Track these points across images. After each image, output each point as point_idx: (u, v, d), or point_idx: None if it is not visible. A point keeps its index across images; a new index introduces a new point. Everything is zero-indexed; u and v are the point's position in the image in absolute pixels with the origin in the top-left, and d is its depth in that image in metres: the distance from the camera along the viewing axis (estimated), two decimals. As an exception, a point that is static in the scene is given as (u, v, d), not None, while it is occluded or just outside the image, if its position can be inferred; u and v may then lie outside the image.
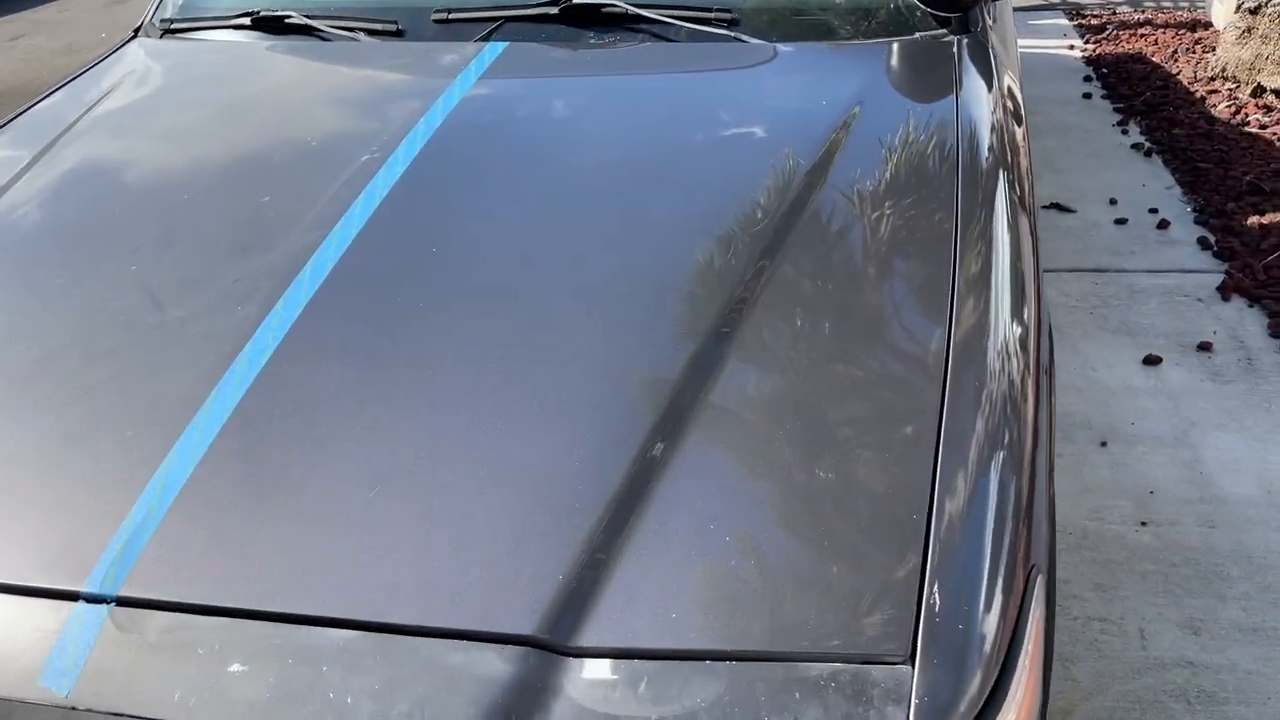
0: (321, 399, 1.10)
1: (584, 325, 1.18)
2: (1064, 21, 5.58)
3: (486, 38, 1.89)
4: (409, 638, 0.89)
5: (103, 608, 0.92)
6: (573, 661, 0.88)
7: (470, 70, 1.75)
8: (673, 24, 1.85)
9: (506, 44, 1.85)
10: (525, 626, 0.89)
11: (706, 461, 1.00)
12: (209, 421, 1.06)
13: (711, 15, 1.84)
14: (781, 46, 1.80)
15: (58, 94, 1.90)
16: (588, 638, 0.88)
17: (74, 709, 0.87)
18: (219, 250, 1.35)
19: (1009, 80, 1.82)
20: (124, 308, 1.25)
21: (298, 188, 1.47)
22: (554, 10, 1.89)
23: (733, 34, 1.82)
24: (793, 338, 1.14)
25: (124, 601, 0.92)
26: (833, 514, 0.96)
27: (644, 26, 1.87)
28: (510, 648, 0.88)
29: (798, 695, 0.86)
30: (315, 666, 0.88)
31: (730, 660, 0.87)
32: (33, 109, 1.86)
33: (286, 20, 2.00)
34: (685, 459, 1.00)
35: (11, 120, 1.84)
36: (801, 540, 0.94)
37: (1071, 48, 5.15)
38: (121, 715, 0.87)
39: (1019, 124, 1.69)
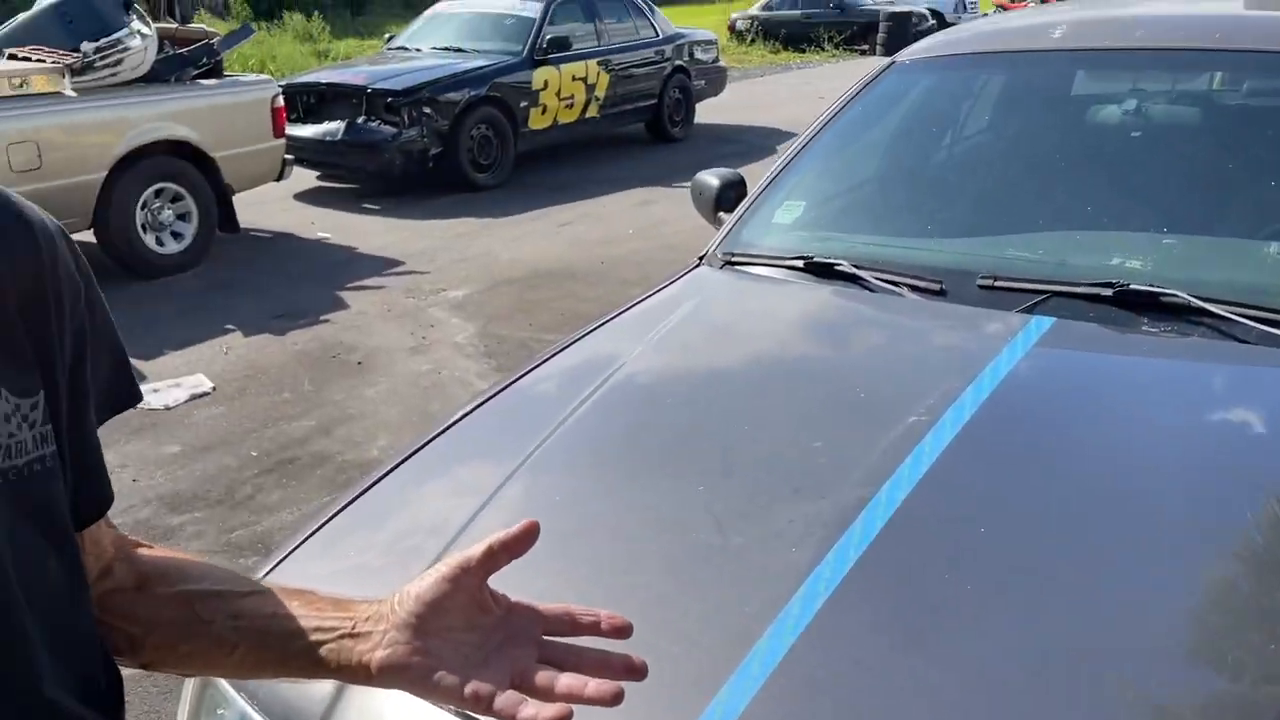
0: (870, 653, 1.14)
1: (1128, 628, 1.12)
2: None
3: (1030, 309, 1.91)
4: None
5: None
6: None
7: (1017, 343, 1.78)
8: (1241, 323, 1.75)
9: (1054, 319, 1.86)
10: None
11: None
12: (770, 649, 1.15)
13: (1290, 319, 1.72)
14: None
15: (633, 311, 2.20)
16: None
17: None
18: (774, 489, 1.47)
19: None
20: (696, 525, 1.41)
21: (846, 439, 1.57)
22: (1107, 292, 1.87)
23: (1317, 342, 1.69)
24: None
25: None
26: None
27: (1207, 321, 1.79)
28: None
29: None
30: None
31: None
32: (608, 324, 2.17)
33: (835, 267, 2.18)
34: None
35: (589, 334, 2.14)
36: None
37: None
38: None
39: None
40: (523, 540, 0.79)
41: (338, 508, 1.64)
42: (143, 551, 0.90)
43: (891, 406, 1.63)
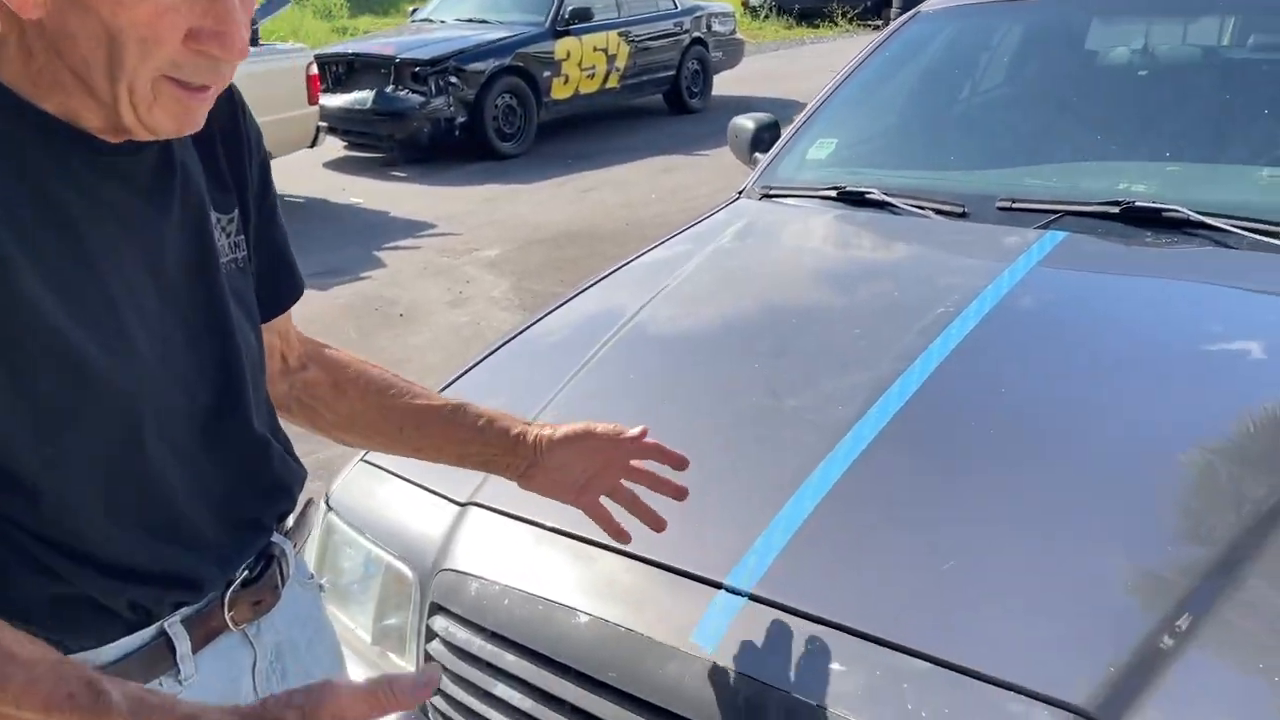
0: (909, 477, 1.37)
1: (1135, 480, 1.34)
2: None
3: (1045, 226, 2.12)
4: (977, 681, 1.09)
5: (739, 599, 1.23)
6: (1118, 739, 1.02)
7: (1032, 251, 1.99)
8: (1235, 233, 1.96)
9: (1065, 234, 2.07)
10: (1077, 697, 1.05)
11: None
12: (823, 478, 1.37)
13: (1278, 228, 1.93)
14: (1354, 264, 1.84)
15: (686, 232, 2.43)
16: (1136, 721, 1.03)
17: (714, 663, 1.18)
18: (821, 365, 1.69)
19: None
20: (754, 393, 1.63)
21: (882, 325, 1.79)
22: (1115, 210, 2.08)
23: (1302, 247, 1.89)
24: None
25: (755, 598, 1.23)
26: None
27: (1203, 233, 2.00)
28: (1062, 712, 1.05)
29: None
30: (897, 683, 1.11)
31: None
32: (666, 243, 2.40)
33: (867, 195, 2.38)
34: (1261, 583, 1.12)
35: (648, 251, 2.38)
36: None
37: None
38: (749, 677, 1.15)
39: None
40: (674, 459, 1.19)
41: None
42: (329, 353, 1.16)
43: (922, 302, 1.84)
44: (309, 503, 1.13)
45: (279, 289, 1.06)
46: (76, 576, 0.80)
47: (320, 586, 1.15)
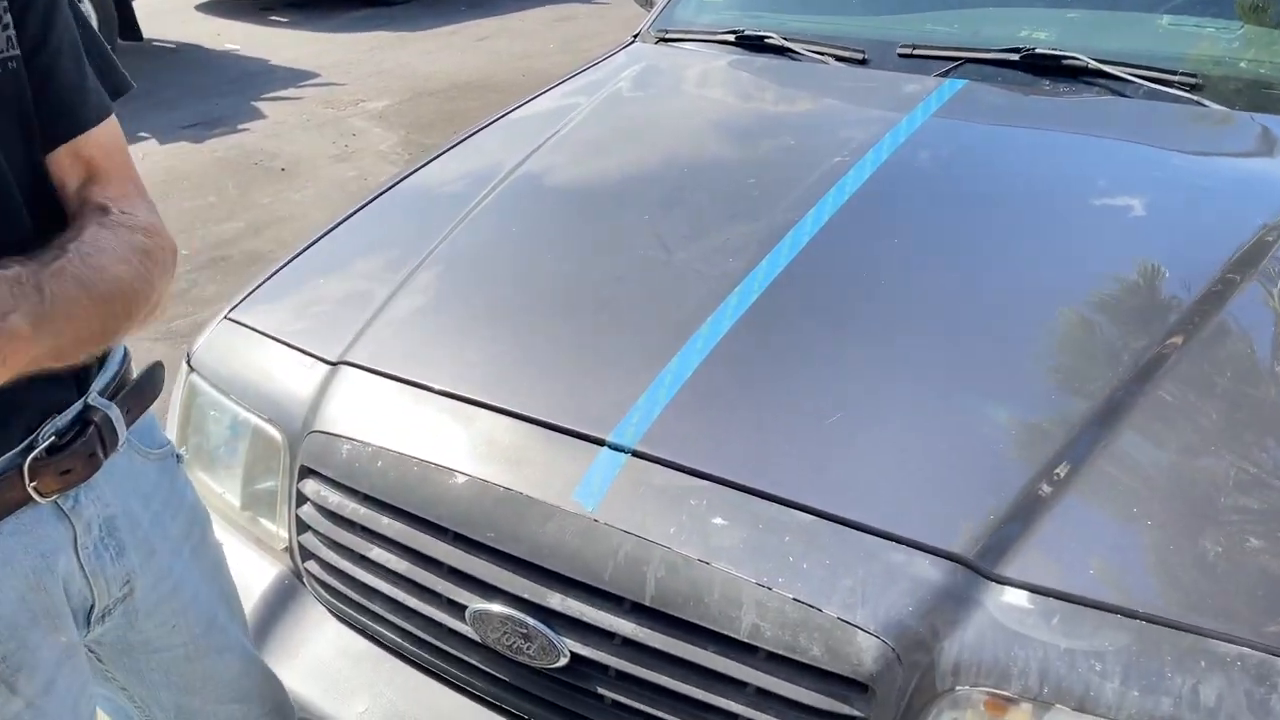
0: (797, 331, 1.33)
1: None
2: None
3: (945, 74, 2.06)
4: (859, 533, 1.08)
5: (622, 455, 1.19)
6: (994, 585, 1.02)
7: (931, 100, 1.93)
8: (1131, 81, 1.93)
9: (965, 82, 2.01)
10: (958, 545, 1.05)
11: (1155, 439, 1.12)
12: (711, 331, 1.32)
13: (1175, 77, 1.90)
14: (1245, 116, 1.83)
15: (577, 78, 2.30)
16: (1012, 568, 1.03)
17: (595, 521, 1.14)
18: (713, 215, 1.62)
19: None
20: (641, 245, 1.56)
21: (776, 175, 1.72)
22: (1015, 57, 2.02)
23: (1194, 98, 1.87)
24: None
25: (638, 454, 1.18)
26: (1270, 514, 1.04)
27: (1101, 81, 1.96)
28: (943, 560, 1.04)
29: (1203, 664, 0.95)
30: (779, 535, 1.09)
31: (1140, 620, 0.98)
32: (555, 89, 2.27)
33: (766, 40, 2.28)
34: (1135, 435, 1.13)
35: (537, 97, 2.25)
36: (1230, 530, 1.03)
37: None
38: (629, 533, 1.12)
39: None
40: None
41: (261, 279, 1.72)
42: (89, 213, 0.88)
43: (818, 150, 1.78)
44: (154, 365, 1.02)
45: (47, 113, 0.85)
46: None
47: (178, 456, 1.06)
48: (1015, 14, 2.30)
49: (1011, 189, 1.70)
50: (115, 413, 0.92)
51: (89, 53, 0.89)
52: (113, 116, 0.90)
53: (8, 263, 0.74)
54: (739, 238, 1.54)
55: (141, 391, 0.97)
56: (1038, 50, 2.01)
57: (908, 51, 2.13)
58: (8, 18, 0.79)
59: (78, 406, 0.89)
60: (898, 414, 1.21)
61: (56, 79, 0.85)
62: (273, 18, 7.70)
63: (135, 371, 0.97)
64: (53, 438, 0.86)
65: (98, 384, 0.91)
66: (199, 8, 7.86)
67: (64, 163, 0.87)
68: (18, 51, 0.81)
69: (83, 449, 0.87)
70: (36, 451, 0.84)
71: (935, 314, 1.39)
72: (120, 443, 0.92)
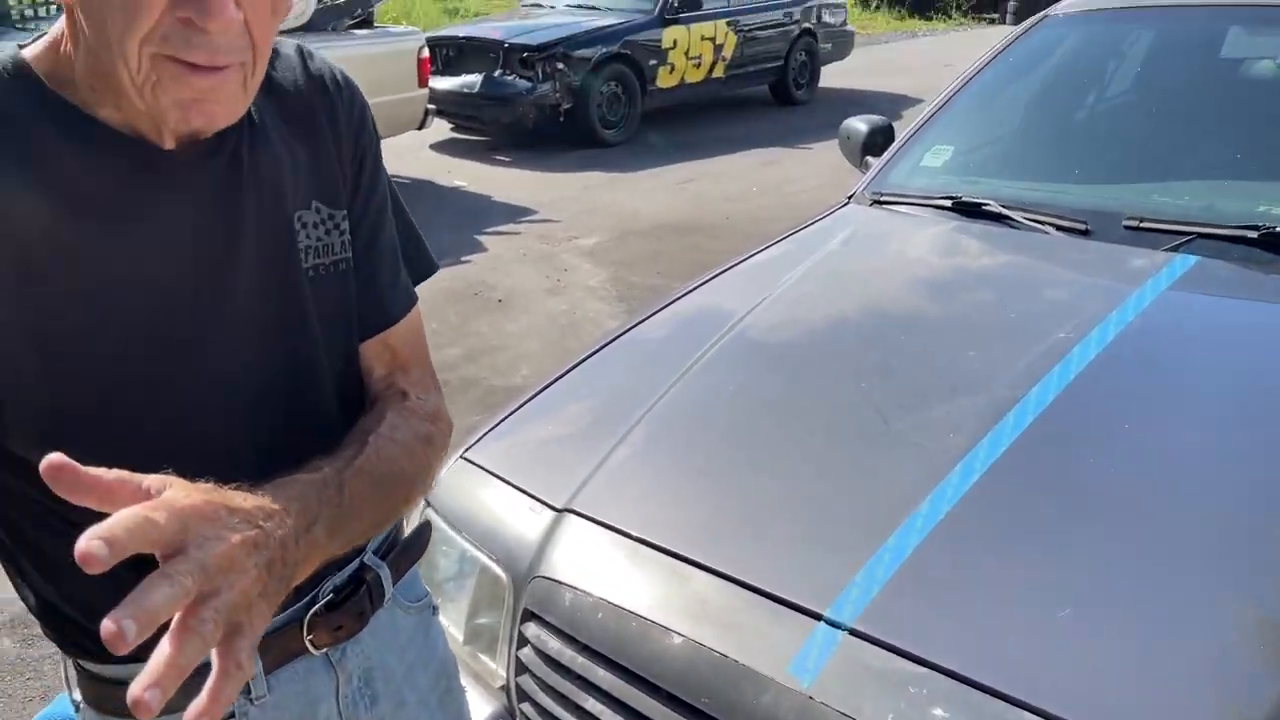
0: (1023, 513, 1.31)
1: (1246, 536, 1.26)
2: None
3: (1175, 249, 2.01)
4: (1090, 740, 1.04)
5: (839, 632, 1.20)
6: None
7: (1161, 276, 1.89)
8: (1387, 265, 1.83)
9: (1197, 258, 1.96)
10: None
11: None
12: (932, 509, 1.32)
13: None
14: None
15: (793, 237, 2.38)
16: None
17: (811, 699, 1.14)
18: (932, 386, 1.64)
19: None
20: (859, 412, 1.59)
21: (997, 348, 1.72)
22: (1252, 234, 1.96)
23: None
24: None
25: (856, 633, 1.19)
26: None
27: (1352, 263, 1.87)
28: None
29: None
30: (1004, 735, 1.06)
31: None
32: (771, 247, 2.35)
33: (984, 207, 2.30)
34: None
35: (754, 255, 2.33)
36: None
37: None
38: (846, 715, 1.12)
39: None
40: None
41: (495, 421, 1.82)
42: (386, 405, 0.96)
43: (1040, 325, 1.77)
44: (423, 525, 1.09)
45: (366, 307, 0.96)
46: None
47: (433, 609, 1.12)
48: (1252, 188, 2.24)
49: (1250, 377, 1.63)
50: (385, 571, 0.99)
51: (402, 239, 1.01)
52: (417, 305, 1.02)
53: (318, 464, 0.81)
54: (960, 412, 1.54)
55: (410, 550, 1.04)
56: (1278, 229, 1.95)
57: (1134, 224, 2.10)
58: (345, 224, 0.92)
59: (354, 565, 0.96)
60: (1133, 610, 1.17)
61: (377, 278, 0.96)
62: (497, 157, 8.31)
63: (405, 529, 1.06)
64: (330, 594, 0.93)
65: (373, 544, 0.99)
66: (433, 146, 8.59)
67: (372, 351, 0.97)
68: (349, 254, 0.92)
69: (354, 607, 0.94)
70: (316, 607, 0.92)
71: (1173, 504, 1.34)
72: (386, 599, 0.99)
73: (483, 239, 6.04)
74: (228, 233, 0.82)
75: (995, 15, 18.82)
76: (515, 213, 6.64)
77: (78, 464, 0.57)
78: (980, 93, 2.75)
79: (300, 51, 0.92)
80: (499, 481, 1.63)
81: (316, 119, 0.89)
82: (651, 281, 5.30)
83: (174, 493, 0.62)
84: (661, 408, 1.69)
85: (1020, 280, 2.08)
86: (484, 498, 1.62)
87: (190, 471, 0.67)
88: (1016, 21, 17.45)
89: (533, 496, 1.56)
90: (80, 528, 0.62)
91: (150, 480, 0.62)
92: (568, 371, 1.90)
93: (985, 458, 1.42)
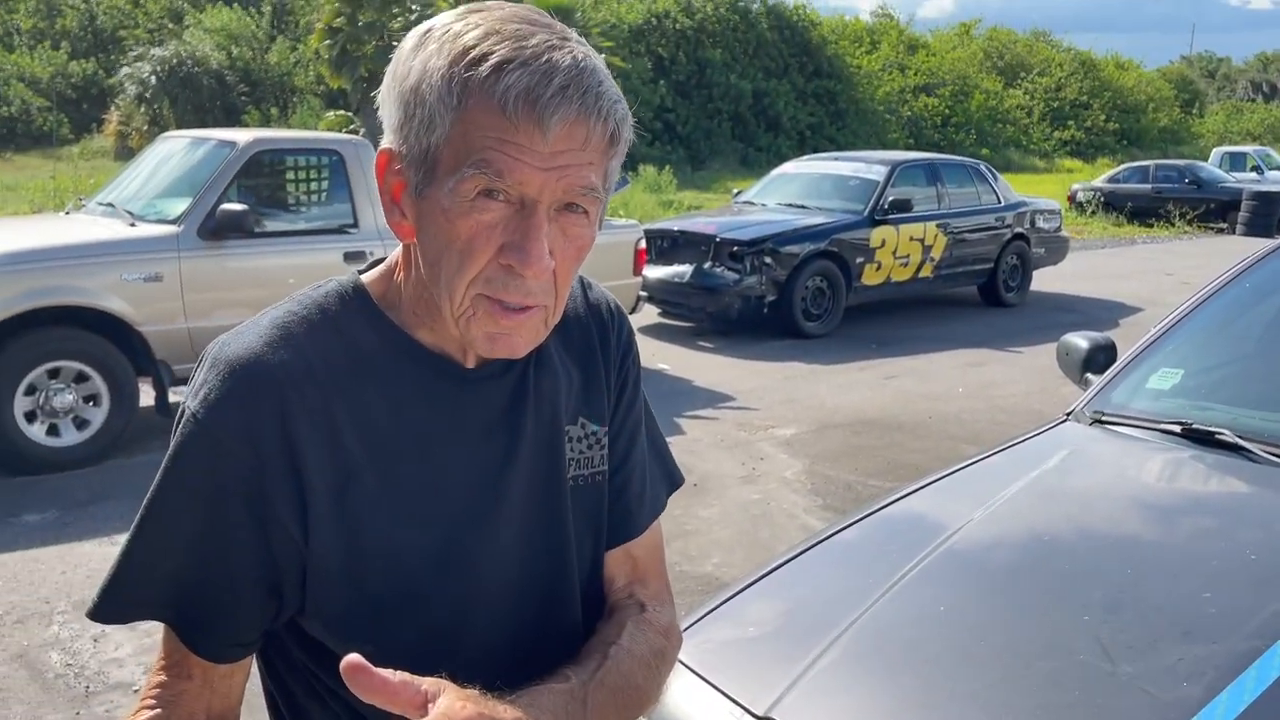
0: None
1: None
2: None
3: None
4: None
5: None
6: None
7: None
8: None
9: None
10: None
11: None
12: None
13: None
14: None
15: (1007, 452, 2.33)
16: None
17: None
18: (1163, 628, 1.55)
19: None
20: (1083, 648, 1.51)
21: (1236, 593, 1.61)
22: None
23: None
24: None
25: None
26: None
27: None
28: None
29: None
30: None
31: None
32: (985, 460, 2.31)
33: (1218, 436, 2.19)
34: None
35: (967, 466, 2.30)
36: None
37: None
38: None
39: None
40: None
41: (696, 615, 1.83)
42: (628, 609, 1.02)
43: (1285, 570, 1.65)
44: None
45: (615, 518, 1.02)
46: None
47: None
48: None
49: None
50: None
51: (652, 453, 1.08)
52: (659, 519, 1.08)
53: (566, 673, 0.88)
54: (1194, 660, 1.45)
55: None
56: None
57: (1393, 467, 1.95)
58: (605, 439, 1.01)
59: None
60: None
61: (628, 490, 1.03)
62: (701, 343, 8.57)
63: None
64: None
65: None
66: (640, 330, 8.97)
67: (615, 560, 1.03)
68: (605, 468, 1.01)
69: None
70: None
71: None
72: None
73: (681, 421, 6.18)
74: (509, 445, 0.93)
75: (1223, 225, 18.15)
76: (715, 398, 6.78)
77: (371, 666, 0.66)
78: (1213, 316, 2.66)
79: (582, 282, 1.04)
80: (697, 679, 1.63)
81: (591, 343, 1.00)
82: (848, 477, 5.25)
83: (449, 700, 0.70)
84: (869, 619, 1.66)
85: (1258, 518, 1.95)
86: (681, 695, 1.62)
87: (454, 667, 0.75)
88: (1246, 232, 16.78)
89: (733, 699, 1.55)
90: (343, 700, 0.72)
91: (427, 684, 0.70)
92: (773, 570, 1.91)
93: (1224, 714, 1.32)
